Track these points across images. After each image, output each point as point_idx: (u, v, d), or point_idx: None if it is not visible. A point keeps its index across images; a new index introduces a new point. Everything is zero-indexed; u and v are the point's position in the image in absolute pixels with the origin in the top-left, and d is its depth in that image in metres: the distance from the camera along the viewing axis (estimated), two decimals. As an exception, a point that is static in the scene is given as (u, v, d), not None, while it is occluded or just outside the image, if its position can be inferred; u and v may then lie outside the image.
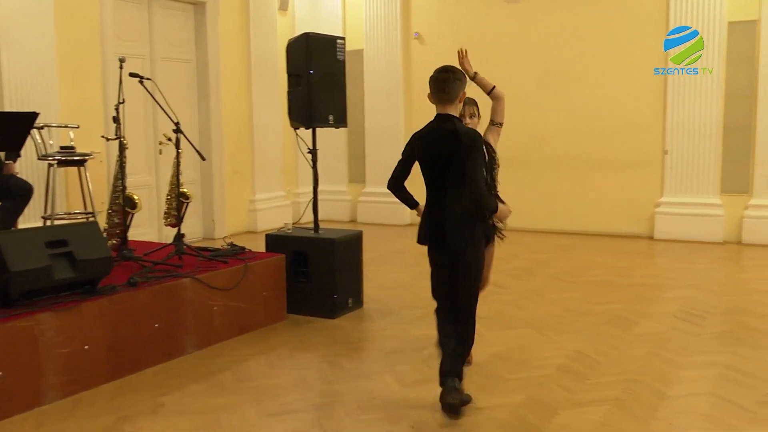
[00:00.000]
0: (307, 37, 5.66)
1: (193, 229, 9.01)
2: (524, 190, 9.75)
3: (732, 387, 4.04)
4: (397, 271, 7.34)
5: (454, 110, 3.66)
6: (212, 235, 9.17)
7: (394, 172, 3.88)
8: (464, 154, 3.56)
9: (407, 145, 3.81)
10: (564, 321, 5.46)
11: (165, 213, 5.78)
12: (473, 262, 3.77)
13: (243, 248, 5.62)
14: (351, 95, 10.70)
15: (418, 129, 3.81)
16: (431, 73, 3.71)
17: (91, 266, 4.25)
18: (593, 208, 9.16)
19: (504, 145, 10.44)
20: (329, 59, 5.81)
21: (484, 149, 3.81)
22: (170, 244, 5.52)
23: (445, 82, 3.63)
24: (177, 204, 5.55)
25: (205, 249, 5.64)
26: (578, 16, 9.29)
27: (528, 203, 9.71)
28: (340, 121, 5.95)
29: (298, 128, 5.88)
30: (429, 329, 5.25)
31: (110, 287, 4.34)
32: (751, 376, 4.20)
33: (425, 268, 7.75)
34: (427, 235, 3.80)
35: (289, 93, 5.84)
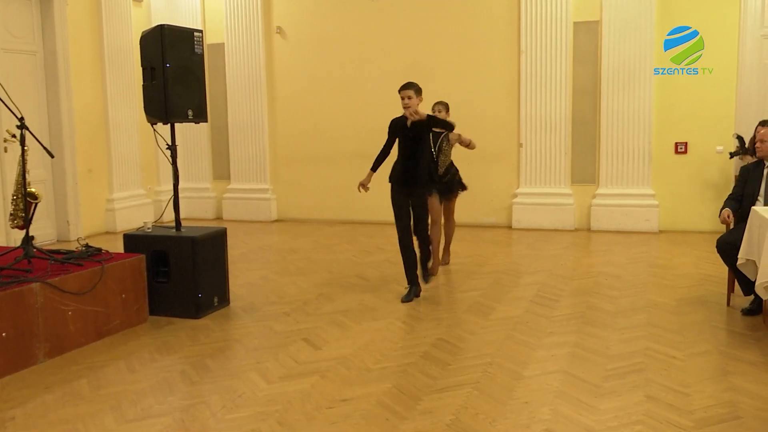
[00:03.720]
0: (161, 28, 5.47)
1: (45, 231, 8.52)
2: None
3: (580, 364, 4.33)
4: (264, 268, 7.27)
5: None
6: (67, 237, 8.70)
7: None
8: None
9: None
10: (426, 310, 5.63)
11: (11, 215, 5.40)
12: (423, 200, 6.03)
13: (99, 249, 5.39)
14: (213, 90, 10.56)
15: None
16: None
17: (-75, 274, 3.93)
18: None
19: (358, 140, 10.57)
20: (186, 52, 5.64)
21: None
22: (18, 247, 5.18)
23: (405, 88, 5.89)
24: (24, 205, 5.20)
25: (58, 252, 5.34)
26: (435, 14, 9.56)
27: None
28: (200, 116, 5.79)
29: (155, 123, 5.68)
30: (294, 325, 5.27)
31: (-52, 296, 4.04)
32: (598, 353, 4.52)
33: (290, 265, 7.75)
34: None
35: (145, 87, 5.63)
